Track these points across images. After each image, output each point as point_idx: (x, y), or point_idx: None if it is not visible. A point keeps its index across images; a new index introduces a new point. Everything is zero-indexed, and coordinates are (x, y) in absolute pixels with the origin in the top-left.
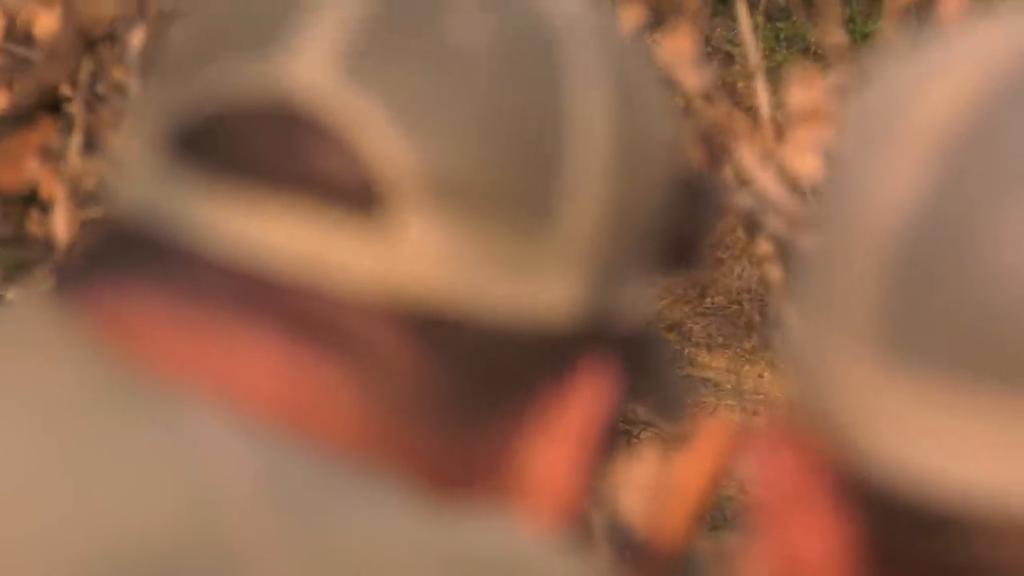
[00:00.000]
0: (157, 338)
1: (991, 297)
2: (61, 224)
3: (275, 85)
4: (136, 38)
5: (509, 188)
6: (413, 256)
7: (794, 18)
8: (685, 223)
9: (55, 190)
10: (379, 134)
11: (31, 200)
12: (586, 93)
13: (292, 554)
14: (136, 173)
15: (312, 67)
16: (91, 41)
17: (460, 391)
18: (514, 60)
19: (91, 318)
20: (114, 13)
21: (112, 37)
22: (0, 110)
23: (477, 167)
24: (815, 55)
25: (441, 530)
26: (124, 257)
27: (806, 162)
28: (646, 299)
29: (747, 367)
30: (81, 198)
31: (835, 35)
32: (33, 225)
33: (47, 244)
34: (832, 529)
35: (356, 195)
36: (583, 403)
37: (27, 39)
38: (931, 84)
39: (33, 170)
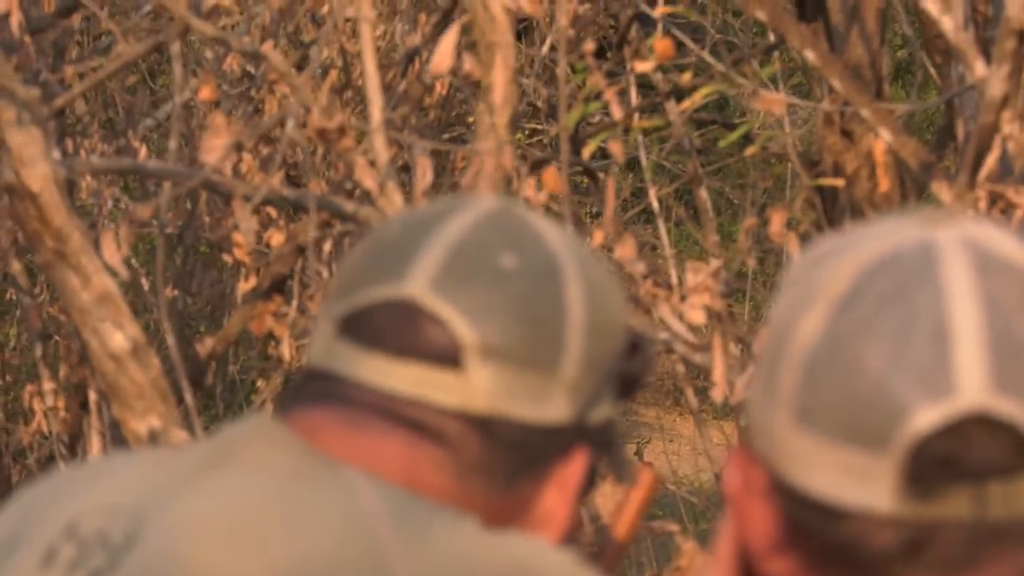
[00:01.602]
0: (331, 436)
1: (857, 390)
2: (286, 351)
3: (397, 294)
4: (328, 246)
5: (531, 351)
6: (477, 387)
7: (688, 226)
8: (632, 365)
9: (282, 333)
10: (457, 322)
11: (269, 337)
12: (573, 293)
13: (417, 558)
14: (320, 340)
15: (419, 285)
16: (302, 248)
17: (507, 465)
18: (535, 277)
19: (296, 426)
20: (312, 236)
21: (316, 244)
22: (250, 288)
23: (512, 340)
24: (701, 250)
25: (500, 538)
26: (311, 389)
27: (697, 315)
28: (609, 409)
29: (667, 416)
30: (297, 337)
31: (711, 237)
32: (271, 351)
33: (279, 360)
34: (766, 511)
35: (447, 354)
36: (575, 468)
37: (267, 247)
38: (830, 262)
39: (270, 323)
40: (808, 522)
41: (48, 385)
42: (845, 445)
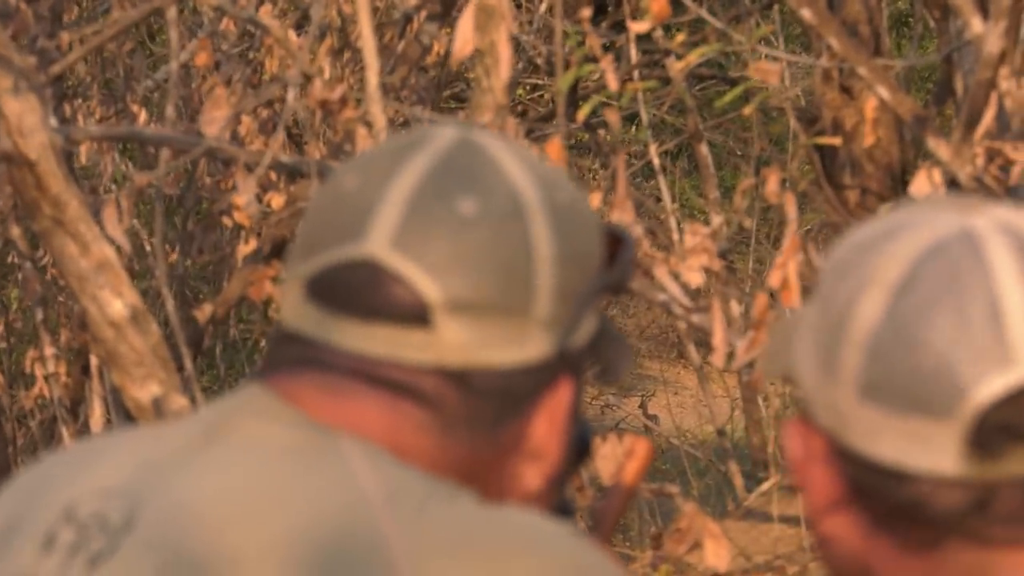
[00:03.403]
0: (314, 403)
1: (922, 365)
2: None
3: (359, 254)
4: None
5: (501, 297)
6: (448, 342)
7: (688, 181)
8: (613, 275)
9: (280, 297)
10: (421, 280)
11: (271, 300)
12: (539, 229)
13: (414, 535)
14: (289, 301)
15: (379, 244)
16: (302, 211)
17: (490, 412)
18: (497, 220)
19: (276, 392)
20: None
21: None
22: (250, 251)
23: (479, 290)
24: (701, 210)
25: (496, 512)
26: (288, 354)
27: (695, 277)
28: (592, 325)
29: (671, 368)
30: None
31: (712, 192)
32: (272, 314)
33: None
34: (827, 475)
35: (414, 313)
36: (562, 397)
37: (269, 208)
38: (878, 251)
39: (268, 288)
40: (873, 485)
41: (49, 350)
42: (911, 415)
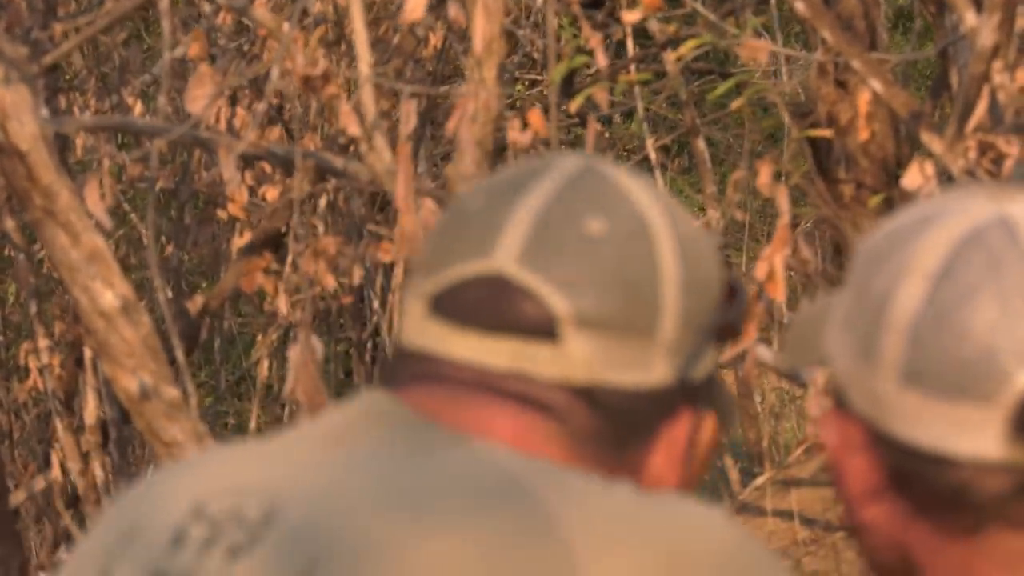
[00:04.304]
0: (441, 411)
1: (965, 352)
2: (282, 305)
3: (486, 269)
4: (323, 201)
5: (627, 316)
6: (575, 358)
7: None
8: (729, 314)
9: (272, 289)
10: (550, 295)
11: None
12: (665, 252)
13: (585, 515)
14: (411, 319)
15: (507, 259)
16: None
17: (615, 432)
18: (624, 240)
19: (404, 402)
20: (305, 191)
21: (311, 199)
22: (245, 243)
23: (607, 307)
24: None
25: (657, 497)
26: (406, 370)
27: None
28: (712, 364)
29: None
30: (291, 294)
31: (709, 187)
32: (268, 306)
33: (274, 315)
34: (865, 464)
35: (542, 327)
36: (681, 429)
37: (262, 203)
38: (915, 239)
39: (260, 280)
40: (914, 471)
41: (43, 342)
42: (954, 401)
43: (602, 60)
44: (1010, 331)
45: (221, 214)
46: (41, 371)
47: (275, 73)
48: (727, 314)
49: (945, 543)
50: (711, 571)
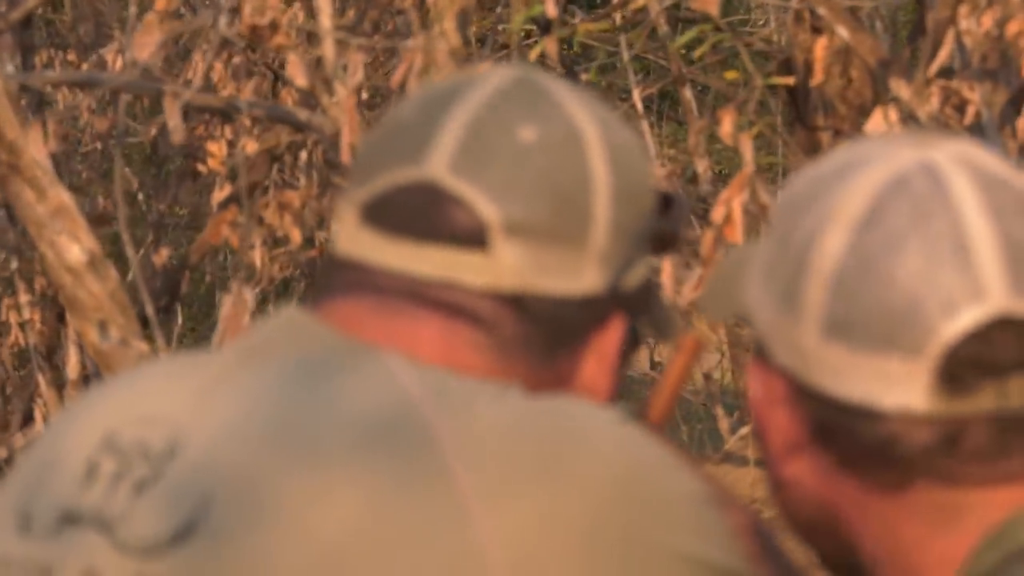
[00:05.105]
0: (365, 325)
1: (890, 302)
2: (257, 258)
3: (417, 177)
4: (303, 155)
5: (557, 224)
6: (505, 265)
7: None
8: (665, 223)
9: (236, 242)
10: (479, 202)
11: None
12: (596, 160)
13: (464, 427)
14: (344, 228)
15: (438, 167)
16: (274, 156)
17: (544, 339)
18: (556, 148)
19: (328, 317)
20: (287, 140)
21: (291, 151)
22: (224, 197)
23: (536, 215)
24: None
25: (546, 402)
26: (340, 279)
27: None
28: (644, 271)
29: None
30: (268, 244)
31: (695, 137)
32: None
33: (250, 267)
34: (788, 418)
35: (472, 235)
36: (612, 337)
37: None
38: (838, 186)
39: (226, 233)
40: (839, 425)
41: (24, 297)
42: (879, 353)
43: (552, 11)
44: (936, 280)
45: (202, 169)
46: (22, 326)
47: (222, 23)
48: (663, 223)
49: (870, 498)
50: (598, 498)
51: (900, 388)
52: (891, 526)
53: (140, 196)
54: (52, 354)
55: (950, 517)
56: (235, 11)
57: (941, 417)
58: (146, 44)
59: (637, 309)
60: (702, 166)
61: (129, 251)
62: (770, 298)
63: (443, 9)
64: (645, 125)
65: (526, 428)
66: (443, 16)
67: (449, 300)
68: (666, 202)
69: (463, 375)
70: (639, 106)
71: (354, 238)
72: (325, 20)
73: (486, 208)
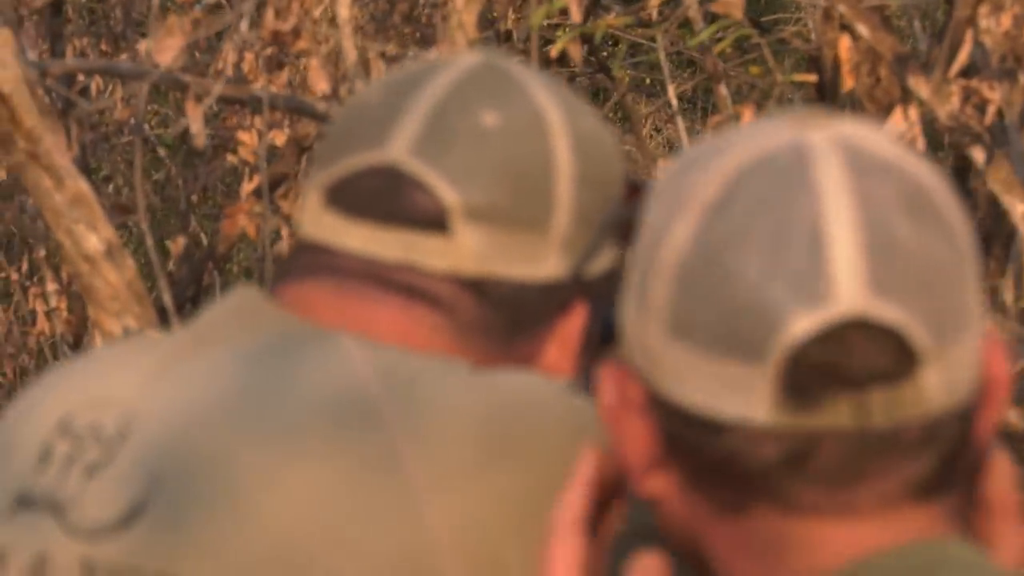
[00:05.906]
0: (323, 307)
1: (731, 300)
2: (286, 248)
3: (379, 160)
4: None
5: (519, 209)
6: (465, 249)
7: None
8: (632, 211)
9: (254, 231)
10: (440, 185)
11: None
12: (560, 146)
13: (407, 406)
14: (308, 212)
15: (400, 151)
16: (304, 148)
17: (504, 324)
18: (518, 133)
19: (287, 299)
20: (316, 132)
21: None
22: (253, 188)
23: (498, 199)
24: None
25: (491, 376)
26: (301, 262)
27: None
28: (609, 260)
29: None
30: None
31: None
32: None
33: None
34: (644, 428)
35: (432, 218)
36: (574, 324)
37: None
38: (701, 167)
39: (242, 223)
40: (686, 437)
41: (51, 286)
42: (721, 357)
43: (576, 15)
44: (782, 276)
45: (231, 159)
46: (48, 315)
47: (244, 26)
48: (630, 211)
49: (718, 522)
50: (547, 473)
51: (740, 396)
52: (728, 557)
53: (170, 186)
54: (79, 342)
55: (780, 553)
56: (262, 5)
57: (786, 431)
58: (168, 47)
59: (602, 296)
60: None
61: (148, 240)
62: (630, 293)
63: (463, 2)
64: (680, 121)
65: (472, 406)
66: (462, 8)
67: (409, 283)
68: (633, 190)
69: (416, 353)
70: (674, 102)
71: (317, 221)
72: (343, 10)
73: (447, 192)
